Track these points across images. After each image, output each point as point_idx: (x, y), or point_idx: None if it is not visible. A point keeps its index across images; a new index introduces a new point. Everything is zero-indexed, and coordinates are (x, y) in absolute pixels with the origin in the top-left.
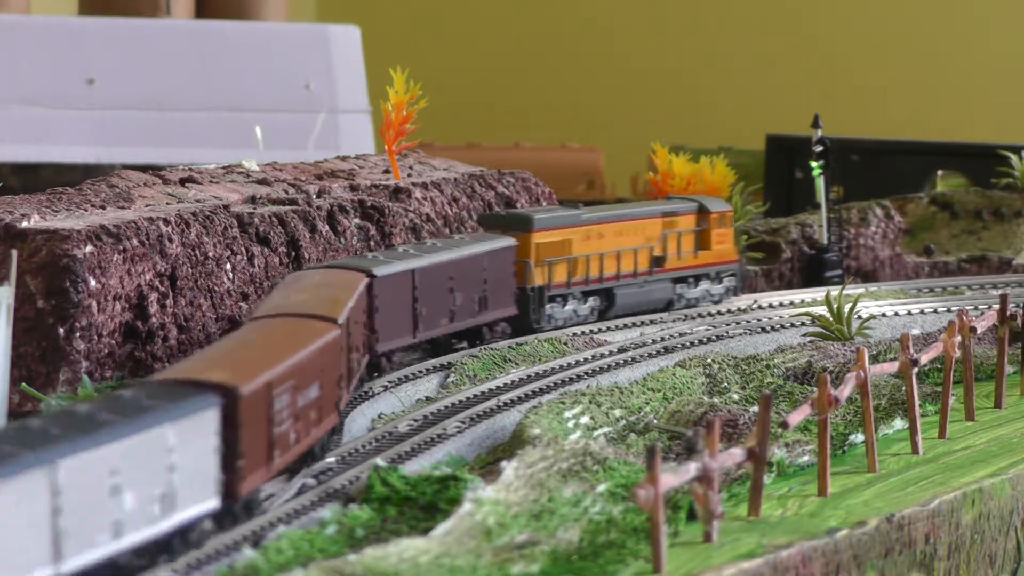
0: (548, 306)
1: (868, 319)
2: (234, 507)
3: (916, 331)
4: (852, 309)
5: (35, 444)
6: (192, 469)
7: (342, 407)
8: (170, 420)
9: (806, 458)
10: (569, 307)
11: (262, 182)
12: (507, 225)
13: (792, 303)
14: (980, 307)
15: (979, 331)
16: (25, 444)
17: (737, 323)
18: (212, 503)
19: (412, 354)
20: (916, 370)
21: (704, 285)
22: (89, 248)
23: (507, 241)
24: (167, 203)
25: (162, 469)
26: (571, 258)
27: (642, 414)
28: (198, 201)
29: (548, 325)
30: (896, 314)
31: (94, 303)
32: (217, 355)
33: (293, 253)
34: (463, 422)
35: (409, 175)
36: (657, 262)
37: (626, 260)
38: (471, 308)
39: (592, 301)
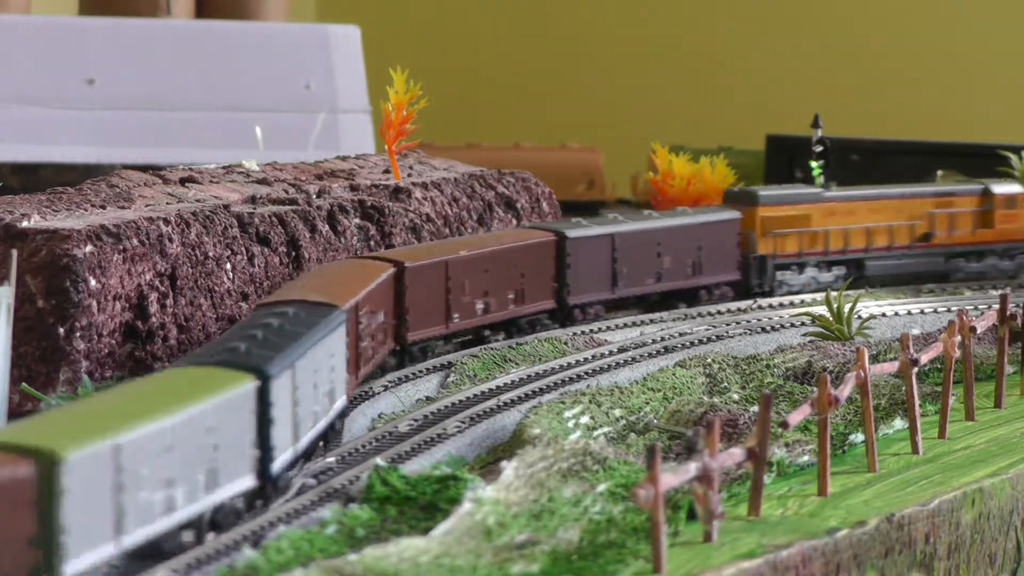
0: (780, 273)
1: (868, 319)
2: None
3: (916, 331)
4: (852, 309)
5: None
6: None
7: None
8: (331, 330)
9: (806, 458)
10: (807, 274)
11: (262, 182)
12: (739, 200)
13: (792, 303)
14: (980, 307)
15: (979, 331)
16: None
17: (737, 323)
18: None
19: (613, 310)
20: (916, 370)
21: (991, 260)
22: (89, 248)
23: (730, 214)
24: (167, 203)
25: (329, 368)
26: (806, 231)
27: (642, 414)
28: (198, 201)
29: (781, 291)
30: (896, 314)
31: (94, 303)
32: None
33: (293, 253)
34: (463, 422)
35: (409, 175)
36: (924, 238)
37: (879, 235)
38: (683, 271)
39: (837, 270)
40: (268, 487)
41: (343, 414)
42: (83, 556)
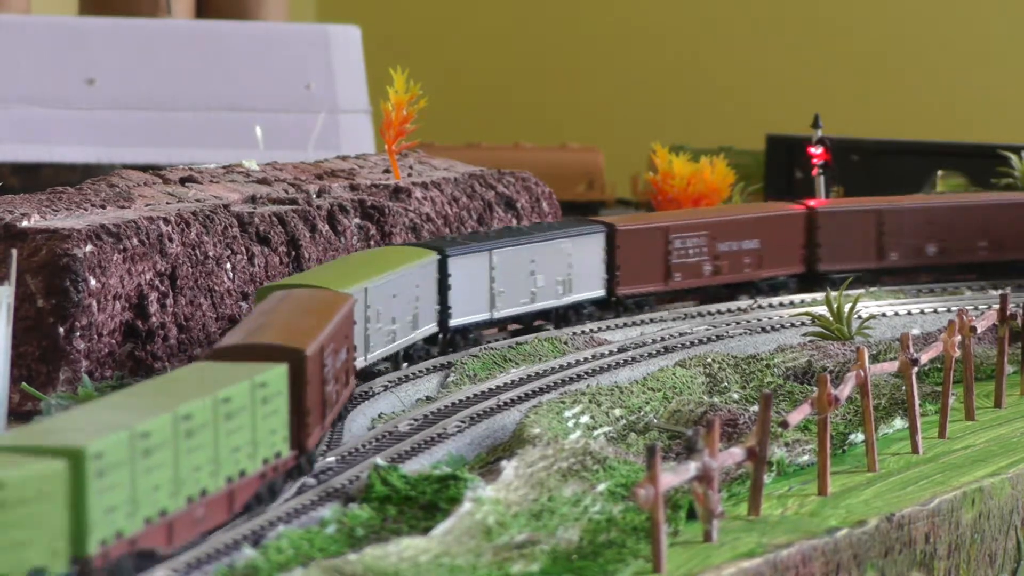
0: None
1: (868, 319)
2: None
3: (916, 331)
4: (852, 309)
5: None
6: (582, 268)
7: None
8: (569, 237)
9: (806, 457)
10: None
11: (262, 182)
12: None
13: (792, 303)
14: (980, 307)
15: (979, 331)
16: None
17: (737, 323)
18: (599, 292)
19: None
20: (916, 370)
21: None
22: (89, 247)
23: None
24: (167, 202)
25: (565, 266)
26: None
27: (642, 413)
28: (198, 201)
29: None
30: (896, 314)
31: (94, 302)
32: None
33: (293, 252)
34: (463, 421)
35: (409, 175)
36: None
37: None
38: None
39: None
40: (445, 335)
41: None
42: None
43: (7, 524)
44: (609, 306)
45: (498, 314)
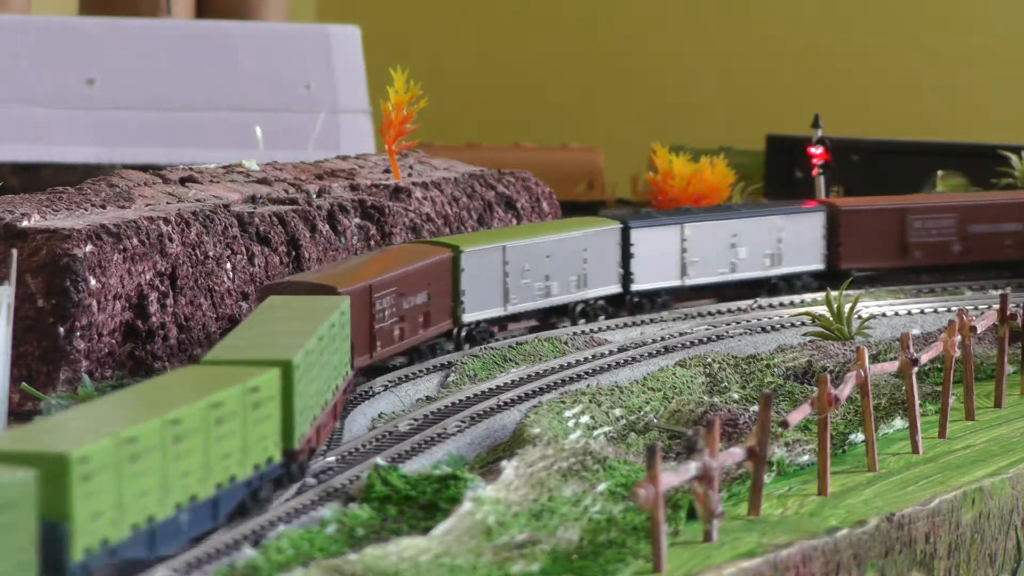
0: None
1: (868, 319)
2: None
3: (916, 331)
4: (852, 309)
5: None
6: (797, 243)
7: None
8: (783, 214)
9: (806, 457)
10: None
11: (262, 182)
12: None
13: (792, 303)
14: (980, 307)
15: (979, 331)
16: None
17: (737, 323)
18: (818, 266)
19: None
20: (916, 369)
21: None
22: (89, 247)
23: None
24: (167, 202)
25: (775, 240)
26: None
27: (642, 413)
28: (198, 200)
29: None
30: (896, 314)
31: (94, 302)
32: None
33: (293, 252)
34: (463, 421)
35: (409, 175)
36: None
37: None
38: None
39: None
40: (629, 297)
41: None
42: (476, 313)
43: None
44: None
45: (690, 281)
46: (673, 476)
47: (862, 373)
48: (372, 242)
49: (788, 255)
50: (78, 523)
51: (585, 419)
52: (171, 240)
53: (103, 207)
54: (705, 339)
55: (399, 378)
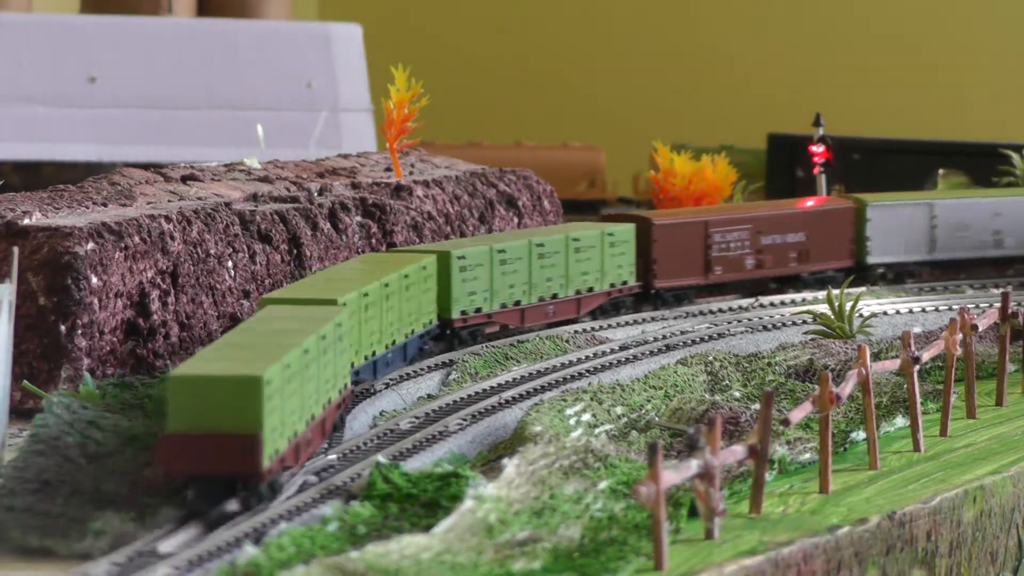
0: None
1: (869, 317)
2: None
3: (918, 329)
4: (854, 307)
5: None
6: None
7: None
8: None
9: (807, 455)
10: None
11: (264, 180)
12: None
13: (794, 301)
14: (981, 305)
15: (981, 329)
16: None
17: (739, 321)
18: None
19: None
20: (917, 368)
21: None
22: (91, 245)
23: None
24: (169, 201)
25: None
26: None
27: (644, 411)
28: (200, 199)
29: None
30: (898, 312)
31: (96, 300)
32: None
33: (295, 251)
34: (465, 419)
35: (411, 173)
36: None
37: None
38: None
39: None
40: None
41: None
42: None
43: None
44: None
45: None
46: (674, 474)
47: (863, 371)
48: (373, 240)
49: None
50: (350, 352)
51: (586, 417)
52: (172, 238)
53: (104, 205)
54: (707, 337)
55: (400, 376)
